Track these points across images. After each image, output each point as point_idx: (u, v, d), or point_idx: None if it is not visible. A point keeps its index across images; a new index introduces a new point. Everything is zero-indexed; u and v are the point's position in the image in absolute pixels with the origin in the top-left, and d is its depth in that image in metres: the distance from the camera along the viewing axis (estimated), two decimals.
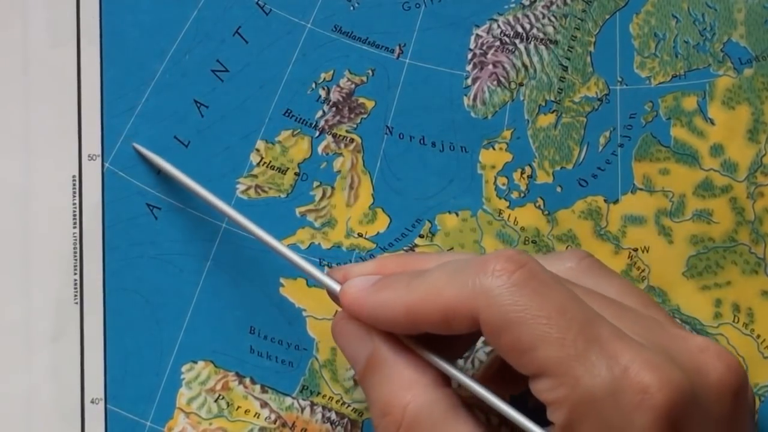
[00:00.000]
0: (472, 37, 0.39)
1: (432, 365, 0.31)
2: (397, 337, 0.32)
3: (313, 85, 0.38)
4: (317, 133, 0.38)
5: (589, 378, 0.28)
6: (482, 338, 0.34)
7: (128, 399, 0.37)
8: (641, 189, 0.39)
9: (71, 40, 0.38)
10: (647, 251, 0.38)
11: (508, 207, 0.38)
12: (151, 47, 0.38)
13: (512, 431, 0.31)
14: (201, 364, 0.38)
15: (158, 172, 0.38)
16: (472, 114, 0.39)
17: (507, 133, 0.39)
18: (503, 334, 0.29)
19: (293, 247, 0.38)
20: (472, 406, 0.32)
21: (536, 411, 0.30)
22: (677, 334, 0.30)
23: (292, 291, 0.38)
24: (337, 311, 0.34)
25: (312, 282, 0.38)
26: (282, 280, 0.38)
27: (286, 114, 0.38)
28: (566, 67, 0.39)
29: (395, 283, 0.31)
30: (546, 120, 0.39)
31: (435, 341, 0.31)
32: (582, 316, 0.29)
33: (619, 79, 0.39)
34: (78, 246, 0.37)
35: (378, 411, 0.31)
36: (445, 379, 0.31)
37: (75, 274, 0.37)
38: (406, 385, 0.31)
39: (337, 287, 0.33)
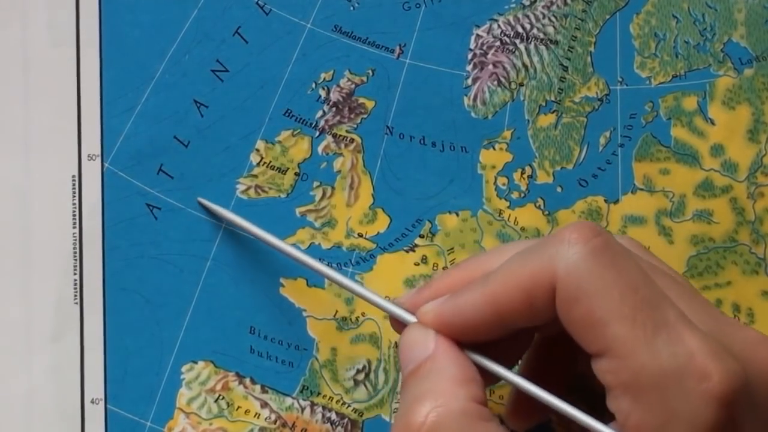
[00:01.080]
0: (473, 37, 0.39)
1: (476, 382, 0.31)
2: (459, 348, 0.31)
3: (313, 85, 0.38)
4: (317, 133, 0.38)
5: (656, 363, 0.28)
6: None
7: (128, 399, 0.37)
8: (641, 189, 0.39)
9: (71, 40, 0.38)
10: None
11: (509, 207, 0.38)
12: (151, 47, 0.38)
13: None
14: (201, 364, 0.38)
15: (158, 172, 0.38)
16: (473, 114, 0.38)
17: (507, 133, 0.39)
18: (576, 306, 0.28)
19: (293, 247, 0.38)
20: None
21: None
22: (733, 323, 0.30)
23: (292, 291, 0.38)
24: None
25: (312, 282, 0.38)
26: (282, 280, 0.38)
27: (286, 114, 0.38)
28: (566, 67, 0.39)
29: (471, 285, 0.31)
30: (546, 120, 0.39)
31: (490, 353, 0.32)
32: (651, 296, 0.28)
33: (620, 79, 0.39)
34: (78, 246, 0.37)
35: (407, 408, 0.30)
36: (484, 399, 0.31)
37: (75, 274, 0.37)
38: (446, 388, 0.30)
39: (411, 318, 0.33)
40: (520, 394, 0.32)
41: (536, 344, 0.35)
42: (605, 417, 0.29)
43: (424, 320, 0.32)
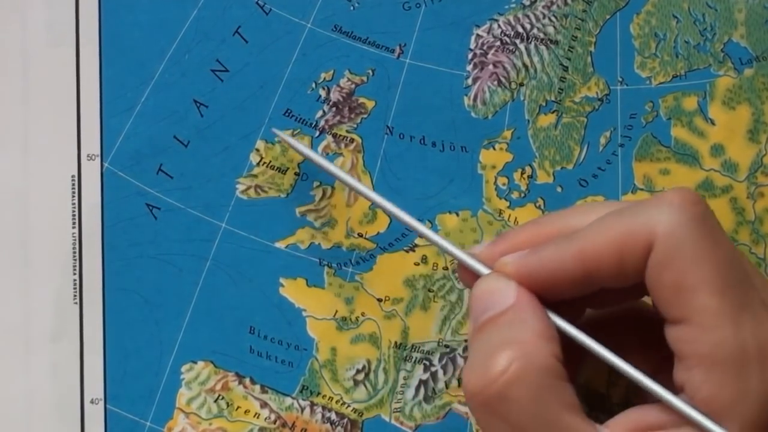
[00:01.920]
0: (473, 37, 0.39)
1: (557, 340, 0.30)
2: (540, 303, 0.31)
3: (313, 85, 0.38)
4: (317, 133, 0.38)
5: (737, 339, 0.28)
6: None
7: (128, 399, 0.37)
8: (642, 189, 0.39)
9: (70, 40, 0.37)
10: None
11: (509, 207, 0.38)
12: (151, 47, 0.38)
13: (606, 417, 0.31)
14: (201, 364, 0.38)
15: (157, 172, 0.38)
16: (473, 114, 0.38)
17: (507, 133, 0.39)
18: (669, 268, 0.28)
19: (293, 247, 0.38)
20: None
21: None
22: None
23: (291, 291, 0.38)
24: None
25: (312, 282, 0.38)
26: (282, 280, 0.38)
27: (286, 114, 0.38)
28: (567, 67, 0.39)
29: (557, 240, 0.31)
30: (546, 120, 0.39)
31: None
32: (742, 277, 0.29)
33: (620, 79, 0.39)
34: (77, 246, 0.37)
35: (486, 355, 0.29)
36: (562, 357, 0.30)
37: (74, 274, 0.37)
38: (530, 340, 0.29)
39: (486, 270, 0.32)
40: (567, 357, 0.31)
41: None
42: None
43: (504, 270, 0.31)
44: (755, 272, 0.30)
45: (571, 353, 0.31)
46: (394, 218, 0.35)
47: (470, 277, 0.32)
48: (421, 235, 0.34)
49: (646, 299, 0.31)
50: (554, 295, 0.31)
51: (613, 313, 0.34)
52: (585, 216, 0.31)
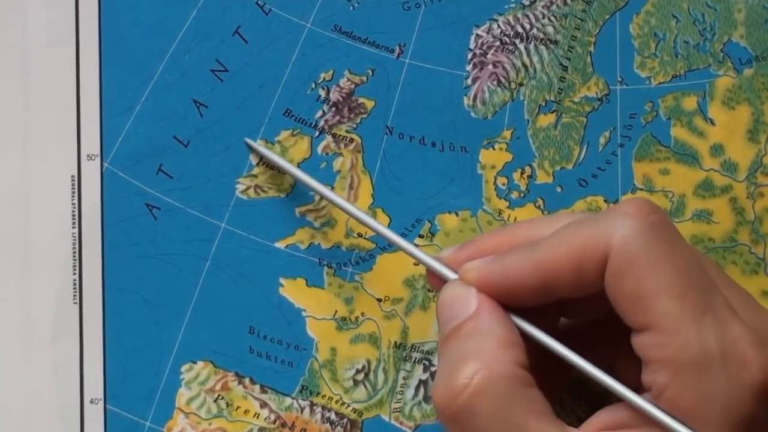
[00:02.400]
0: (472, 37, 0.39)
1: (520, 346, 0.30)
2: (502, 309, 0.31)
3: (313, 85, 0.38)
4: (317, 133, 0.38)
5: (700, 342, 0.28)
6: None
7: (128, 399, 0.37)
8: (641, 189, 0.39)
9: (70, 40, 0.38)
10: None
11: (508, 207, 0.38)
12: (151, 47, 0.38)
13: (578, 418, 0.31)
14: (200, 364, 0.38)
15: (157, 172, 0.38)
16: (472, 114, 0.38)
17: (507, 133, 0.39)
18: (627, 277, 0.28)
19: (292, 247, 0.38)
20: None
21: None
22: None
23: (291, 291, 0.38)
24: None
25: (311, 282, 0.38)
26: (281, 280, 0.38)
27: (286, 114, 0.38)
28: (566, 67, 0.39)
29: (519, 248, 0.31)
30: (546, 120, 0.39)
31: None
32: (702, 280, 0.29)
33: (619, 79, 0.39)
34: (77, 246, 0.37)
35: (450, 368, 0.30)
36: (527, 363, 0.30)
37: (74, 274, 0.37)
38: (491, 350, 0.30)
39: (452, 275, 0.32)
40: (541, 361, 0.31)
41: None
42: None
43: (466, 278, 0.32)
44: (719, 274, 0.31)
45: (554, 357, 0.31)
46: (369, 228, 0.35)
47: (438, 282, 0.33)
48: (391, 242, 0.34)
49: None
50: (516, 303, 0.31)
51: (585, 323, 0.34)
52: (550, 226, 0.31)
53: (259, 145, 0.37)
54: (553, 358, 0.31)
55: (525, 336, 0.31)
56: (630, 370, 0.31)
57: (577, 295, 0.30)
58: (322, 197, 0.37)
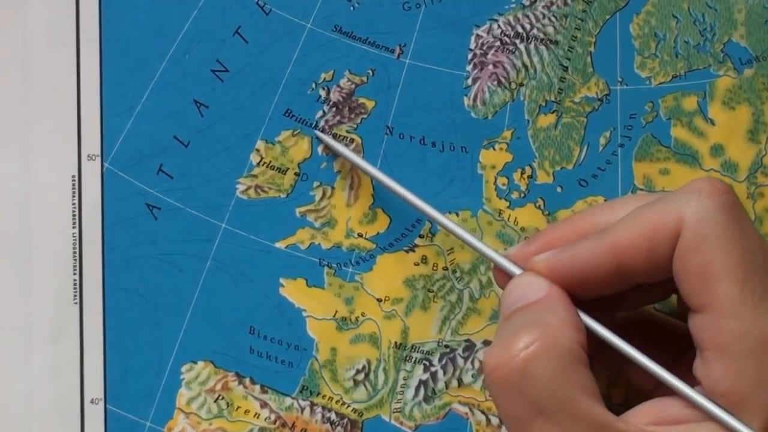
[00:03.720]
0: (473, 37, 0.39)
1: (585, 333, 0.30)
2: (569, 299, 0.31)
3: (313, 85, 0.38)
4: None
5: (758, 329, 0.28)
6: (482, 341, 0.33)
7: (128, 399, 0.37)
8: (641, 189, 0.39)
9: (71, 40, 0.38)
10: None
11: (509, 207, 0.38)
12: (151, 47, 0.38)
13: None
14: (201, 364, 0.38)
15: (158, 172, 0.38)
16: (473, 114, 0.38)
17: (507, 134, 0.39)
18: (695, 254, 0.28)
19: (293, 248, 0.38)
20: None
21: None
22: None
23: (291, 291, 0.38)
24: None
25: (312, 282, 0.38)
26: (282, 280, 0.38)
27: (286, 114, 0.38)
28: (566, 68, 0.39)
29: (588, 237, 0.31)
30: (546, 120, 0.39)
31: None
32: (765, 265, 0.29)
33: (620, 80, 0.39)
34: (77, 246, 0.37)
35: (510, 334, 0.30)
36: (588, 349, 0.30)
37: (74, 274, 0.37)
38: (556, 324, 0.29)
39: (519, 271, 0.32)
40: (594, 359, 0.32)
41: None
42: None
43: (536, 268, 0.32)
44: None
45: (606, 355, 0.31)
46: (433, 220, 0.35)
47: (505, 279, 0.33)
48: (459, 237, 0.34)
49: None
50: (587, 293, 0.31)
51: (629, 319, 0.34)
52: (615, 211, 0.31)
53: (330, 138, 0.37)
54: (605, 356, 0.31)
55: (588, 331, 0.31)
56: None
57: (649, 278, 0.30)
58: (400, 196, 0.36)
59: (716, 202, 0.29)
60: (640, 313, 0.35)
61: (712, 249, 0.28)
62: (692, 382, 0.29)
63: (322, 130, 0.38)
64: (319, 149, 0.38)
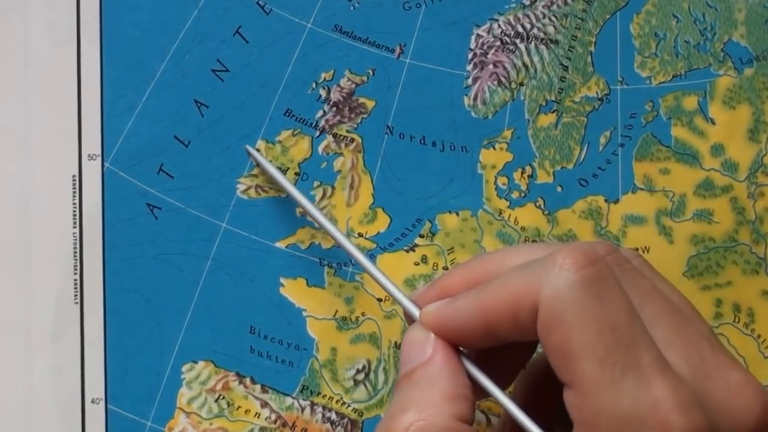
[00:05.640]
0: (473, 37, 0.39)
1: (465, 399, 0.30)
2: (456, 358, 0.31)
3: (314, 85, 0.38)
4: (317, 133, 0.38)
5: (617, 406, 0.27)
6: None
7: (129, 399, 0.37)
8: (642, 189, 0.39)
9: (71, 40, 0.38)
10: (648, 251, 0.38)
11: (509, 207, 0.38)
12: (151, 47, 0.38)
13: None
14: (201, 364, 0.38)
15: (158, 172, 0.38)
16: (473, 114, 0.38)
17: (507, 133, 0.39)
18: (554, 332, 0.28)
19: (293, 247, 0.38)
20: None
21: None
22: (721, 361, 0.30)
23: (292, 291, 0.38)
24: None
25: (312, 282, 0.38)
26: (282, 280, 0.38)
27: (287, 114, 0.38)
28: (567, 67, 0.39)
29: (468, 292, 0.31)
30: (546, 120, 0.39)
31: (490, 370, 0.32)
32: (630, 337, 0.28)
33: (620, 79, 0.39)
34: (78, 246, 0.37)
35: (393, 414, 0.30)
36: (469, 416, 0.31)
37: (75, 274, 0.37)
38: (433, 402, 0.30)
39: (416, 312, 0.33)
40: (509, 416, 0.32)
41: (531, 363, 0.35)
42: None
43: (424, 320, 0.32)
44: (665, 313, 0.30)
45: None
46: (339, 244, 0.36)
47: (410, 319, 0.33)
48: (370, 275, 0.35)
49: None
50: (471, 345, 0.31)
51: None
52: (504, 262, 0.31)
53: (257, 154, 0.38)
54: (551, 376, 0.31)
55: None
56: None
57: (522, 339, 0.30)
58: (309, 214, 0.37)
59: (575, 276, 0.28)
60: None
61: (569, 326, 0.28)
62: None
63: (322, 130, 0.38)
64: (320, 149, 0.38)
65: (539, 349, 0.34)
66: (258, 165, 0.38)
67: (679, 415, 0.27)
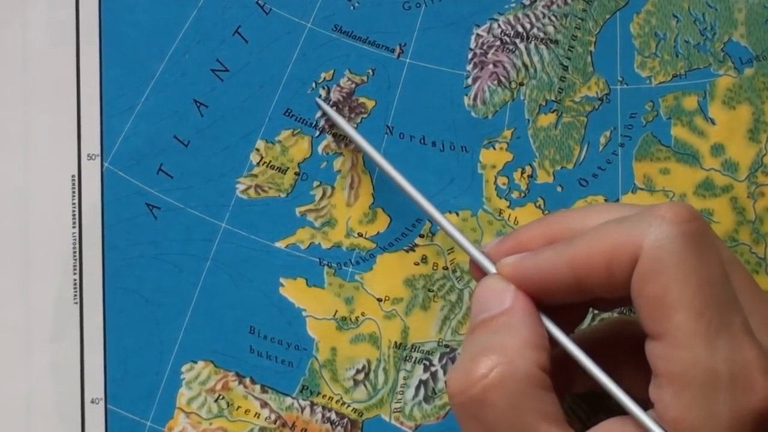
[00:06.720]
0: (473, 37, 0.39)
1: (545, 349, 0.30)
2: (535, 310, 0.31)
3: (314, 85, 0.38)
4: (317, 133, 0.38)
5: (710, 361, 0.27)
6: None
7: (128, 399, 0.37)
8: (642, 189, 0.39)
9: (71, 40, 0.38)
10: None
11: (509, 207, 0.38)
12: (151, 47, 0.38)
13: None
14: (201, 364, 0.38)
15: (158, 172, 0.38)
16: (473, 114, 0.38)
17: (507, 133, 0.39)
18: (652, 282, 0.28)
19: (293, 247, 0.38)
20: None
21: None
22: None
23: (291, 291, 0.38)
24: None
25: (312, 282, 0.38)
26: (282, 280, 0.38)
27: (286, 113, 0.38)
28: (567, 67, 0.39)
29: (554, 245, 0.31)
30: (546, 119, 0.39)
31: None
32: (724, 296, 0.28)
33: (620, 79, 0.39)
34: (77, 246, 0.37)
35: (472, 357, 0.30)
36: (549, 367, 0.30)
37: (75, 274, 0.37)
38: (516, 348, 0.30)
39: (491, 267, 0.32)
40: (563, 364, 0.32)
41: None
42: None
43: (503, 272, 0.32)
44: (746, 287, 0.30)
45: (569, 359, 0.31)
46: (417, 205, 0.35)
47: (478, 273, 0.33)
48: (440, 226, 0.34)
49: None
50: (551, 300, 0.31)
51: (607, 329, 0.35)
52: (587, 219, 0.31)
53: (326, 105, 0.38)
54: (566, 362, 0.31)
55: (551, 337, 0.31)
56: (638, 379, 0.30)
57: (609, 295, 0.30)
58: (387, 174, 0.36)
59: (677, 229, 0.28)
60: (614, 323, 0.35)
61: (669, 278, 0.28)
62: (649, 402, 0.29)
63: (322, 130, 0.38)
64: (320, 149, 0.38)
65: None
66: (326, 116, 0.37)
67: (765, 379, 0.28)
